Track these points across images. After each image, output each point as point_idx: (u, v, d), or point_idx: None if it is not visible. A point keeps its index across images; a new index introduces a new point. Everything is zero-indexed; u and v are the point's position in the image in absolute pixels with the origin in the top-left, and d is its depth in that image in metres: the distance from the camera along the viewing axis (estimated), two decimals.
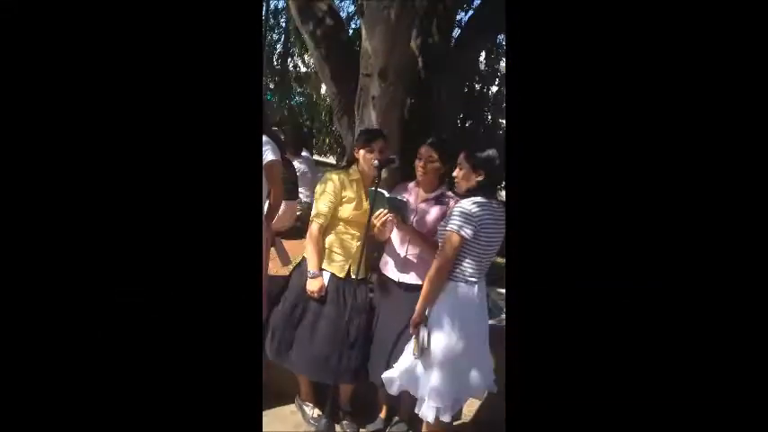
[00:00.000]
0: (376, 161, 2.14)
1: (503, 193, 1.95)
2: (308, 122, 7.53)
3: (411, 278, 2.23)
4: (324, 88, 5.75)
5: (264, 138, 2.17)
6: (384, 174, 2.28)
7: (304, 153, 4.22)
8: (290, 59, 8.92)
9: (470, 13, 4.43)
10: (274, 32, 9.32)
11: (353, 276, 2.24)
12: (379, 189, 2.08)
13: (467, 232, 1.96)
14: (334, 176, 2.26)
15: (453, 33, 3.56)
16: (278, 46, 9.42)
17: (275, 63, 9.72)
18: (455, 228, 1.97)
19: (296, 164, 3.51)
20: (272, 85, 8.85)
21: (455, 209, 2.01)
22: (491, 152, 2.05)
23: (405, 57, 2.74)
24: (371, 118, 2.77)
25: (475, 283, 2.05)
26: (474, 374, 2.06)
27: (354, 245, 2.24)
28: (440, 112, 3.20)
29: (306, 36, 3.21)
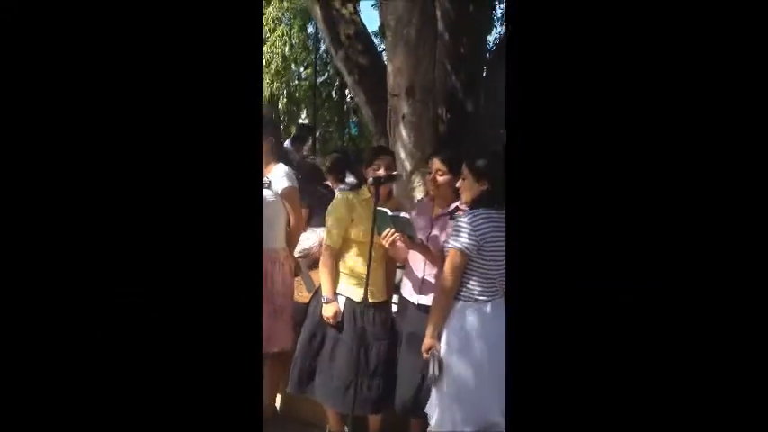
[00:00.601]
0: (371, 178, 2.07)
1: None
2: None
3: (430, 300, 2.09)
4: None
5: (282, 165, 2.20)
6: (405, 192, 2.22)
7: (349, 179, 4.25)
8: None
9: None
10: (328, 68, 9.60)
11: (370, 300, 2.14)
12: (381, 208, 1.99)
13: (468, 248, 1.84)
14: (342, 198, 2.21)
15: (487, 46, 3.52)
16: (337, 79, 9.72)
17: (333, 97, 10.02)
18: (455, 244, 1.85)
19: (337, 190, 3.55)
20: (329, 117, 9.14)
21: (455, 223, 1.89)
22: (491, 162, 1.92)
23: (431, 74, 2.73)
24: (403, 137, 2.77)
25: (486, 302, 1.90)
26: (494, 403, 1.88)
27: (371, 267, 2.18)
28: (477, 126, 3.16)
29: (339, 63, 3.28)
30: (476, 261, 1.88)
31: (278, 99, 9.75)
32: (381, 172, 2.07)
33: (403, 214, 2.03)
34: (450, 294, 1.90)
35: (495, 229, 1.87)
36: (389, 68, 2.69)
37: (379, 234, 2.00)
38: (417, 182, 3.12)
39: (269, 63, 9.06)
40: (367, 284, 2.07)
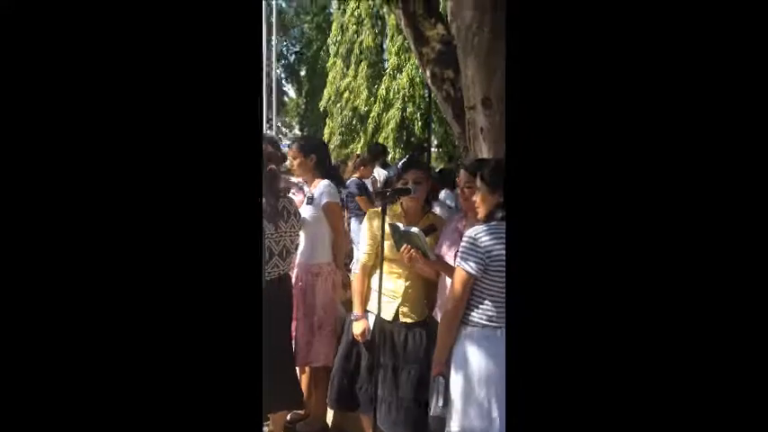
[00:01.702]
0: (374, 192, 1.98)
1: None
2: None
3: None
4: None
5: (325, 181, 2.22)
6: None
7: (443, 194, 4.23)
8: None
9: None
10: None
11: (402, 320, 2.06)
12: (395, 222, 1.92)
13: (471, 266, 1.68)
14: (373, 214, 2.15)
15: None
16: None
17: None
18: (459, 262, 1.70)
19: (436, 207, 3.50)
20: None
21: (462, 239, 1.74)
22: (499, 165, 1.75)
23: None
24: (483, 151, 2.64)
25: (497, 327, 1.70)
26: None
27: (403, 285, 2.08)
28: None
29: (428, 80, 3.24)
30: (484, 281, 1.71)
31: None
32: (410, 186, 2.00)
33: (413, 229, 1.91)
34: (453, 317, 1.75)
35: (504, 247, 1.68)
36: (463, 80, 2.60)
37: (398, 250, 1.92)
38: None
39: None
40: (379, 301, 1.98)
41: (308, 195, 2.40)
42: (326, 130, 11.58)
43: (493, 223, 1.74)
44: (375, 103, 10.07)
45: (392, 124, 9.77)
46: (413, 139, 9.80)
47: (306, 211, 2.40)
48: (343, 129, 10.98)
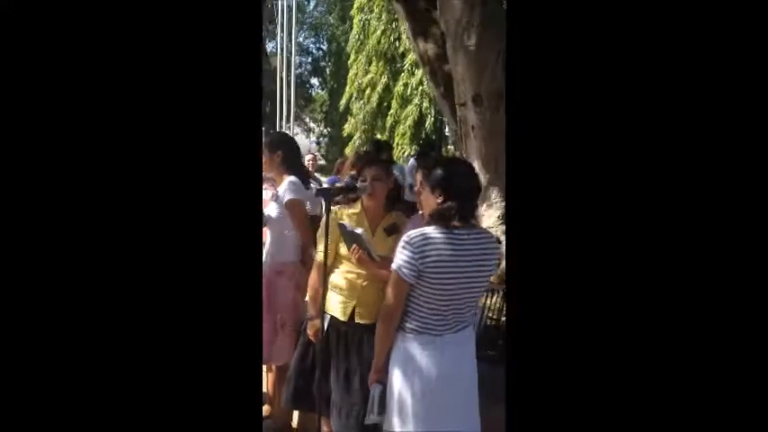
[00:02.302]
0: (315, 189, 1.92)
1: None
2: None
3: None
4: None
5: (291, 177, 2.18)
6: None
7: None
8: None
9: None
10: None
11: (358, 320, 1.96)
12: (342, 222, 1.86)
13: (404, 272, 1.58)
14: (332, 211, 2.09)
15: None
16: None
17: None
18: (394, 265, 1.61)
19: None
20: None
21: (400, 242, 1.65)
22: (447, 169, 1.65)
23: (500, 80, 2.51)
24: (474, 149, 2.59)
25: (437, 336, 1.64)
26: None
27: (360, 284, 2.01)
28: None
29: (426, 77, 3.20)
30: (420, 288, 1.62)
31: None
32: (346, 181, 1.95)
33: (358, 230, 1.85)
34: (388, 322, 1.68)
35: (444, 251, 1.61)
36: (454, 76, 2.54)
37: (348, 249, 1.87)
38: (495, 197, 2.89)
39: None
40: (322, 301, 1.94)
41: (273, 193, 2.38)
42: (347, 127, 11.62)
43: (429, 228, 1.65)
44: (393, 99, 10.12)
45: (409, 121, 9.75)
46: (424, 136, 9.79)
47: (271, 209, 2.37)
48: (366, 126, 11.00)
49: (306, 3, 18.41)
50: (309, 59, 19.68)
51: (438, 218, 1.62)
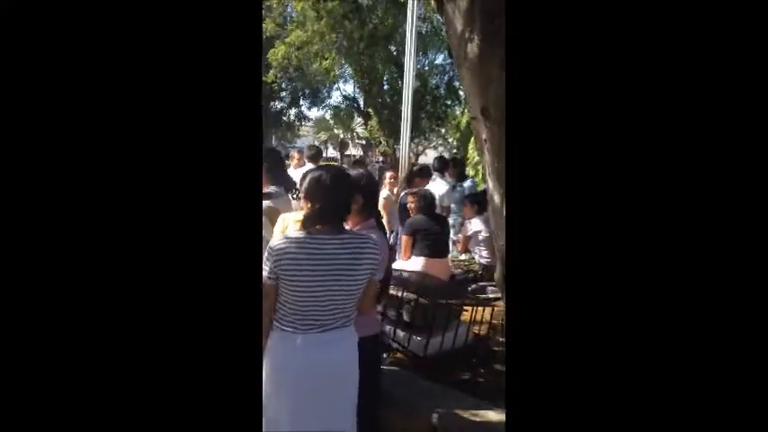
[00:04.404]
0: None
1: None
2: None
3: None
4: None
5: (274, 188, 2.37)
6: None
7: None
8: None
9: None
10: None
11: None
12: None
13: (266, 272, 1.76)
14: (281, 217, 2.21)
15: None
16: None
17: None
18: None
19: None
20: None
21: None
22: (311, 177, 1.85)
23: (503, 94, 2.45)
24: (488, 163, 2.54)
25: (298, 333, 1.77)
26: None
27: None
28: None
29: (463, 82, 3.18)
30: (282, 288, 1.77)
31: None
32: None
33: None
34: (263, 318, 1.82)
35: (298, 256, 1.74)
36: (463, 90, 2.52)
37: None
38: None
39: None
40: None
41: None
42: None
43: (296, 233, 1.81)
44: None
45: None
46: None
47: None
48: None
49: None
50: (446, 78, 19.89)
51: (302, 223, 1.84)
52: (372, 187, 2.73)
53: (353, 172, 2.60)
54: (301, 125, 32.24)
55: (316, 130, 37.96)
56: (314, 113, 31.94)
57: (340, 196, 1.90)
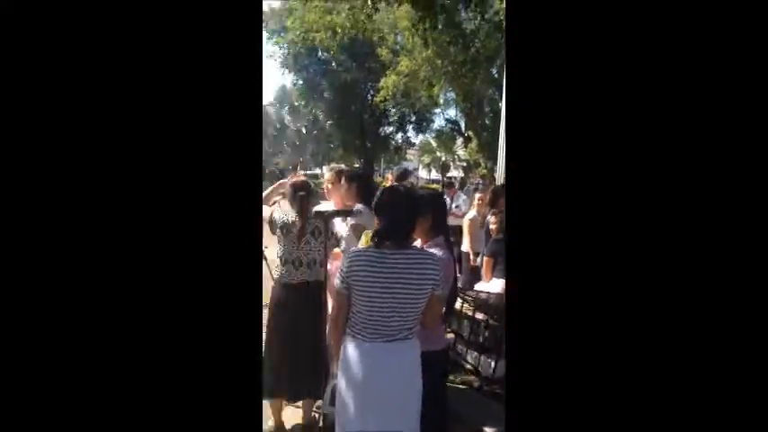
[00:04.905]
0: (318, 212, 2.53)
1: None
2: None
3: None
4: None
5: (360, 206, 2.62)
6: None
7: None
8: None
9: None
10: None
11: None
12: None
13: (336, 282, 1.88)
14: (365, 233, 2.54)
15: None
16: None
17: None
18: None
19: None
20: None
21: None
22: (381, 198, 1.95)
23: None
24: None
25: (368, 342, 1.85)
26: None
27: None
28: None
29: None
30: (354, 299, 1.89)
31: None
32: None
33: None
34: (334, 327, 1.97)
35: (365, 267, 1.85)
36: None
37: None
38: None
39: None
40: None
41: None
42: None
43: (367, 248, 1.95)
44: None
45: None
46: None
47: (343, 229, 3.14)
48: None
49: None
50: None
51: (372, 238, 1.96)
52: (440, 207, 2.77)
53: (422, 192, 2.68)
54: (408, 148, 32.94)
55: (420, 153, 38.54)
56: (419, 138, 32.59)
57: (406, 214, 1.96)
